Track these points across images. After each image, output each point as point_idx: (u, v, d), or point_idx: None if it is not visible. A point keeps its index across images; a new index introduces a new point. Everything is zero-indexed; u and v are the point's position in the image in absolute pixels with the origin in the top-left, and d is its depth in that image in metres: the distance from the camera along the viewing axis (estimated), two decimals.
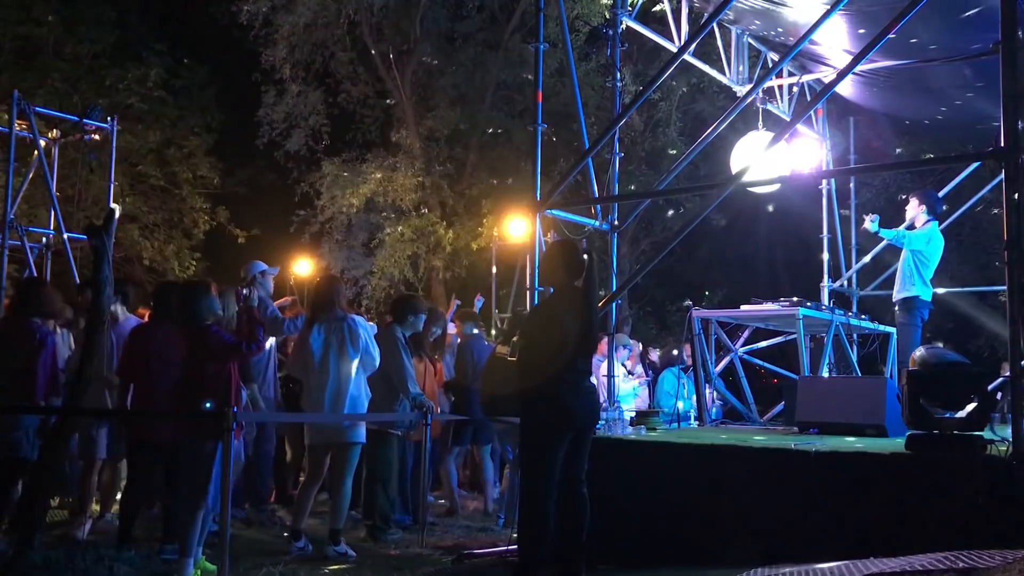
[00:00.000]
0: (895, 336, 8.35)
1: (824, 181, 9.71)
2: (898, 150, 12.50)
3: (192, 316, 5.20)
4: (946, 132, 9.90)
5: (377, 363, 6.08)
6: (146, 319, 6.56)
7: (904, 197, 8.15)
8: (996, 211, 13.90)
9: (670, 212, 18.88)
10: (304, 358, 6.01)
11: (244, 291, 5.46)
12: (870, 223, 7.69)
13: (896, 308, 7.67)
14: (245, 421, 6.09)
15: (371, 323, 7.14)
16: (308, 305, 6.80)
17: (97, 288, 5.22)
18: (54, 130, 10.55)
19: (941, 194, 9.63)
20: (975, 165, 8.95)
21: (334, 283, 6.42)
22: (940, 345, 8.91)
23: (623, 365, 9.86)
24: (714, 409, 8.34)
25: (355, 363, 5.91)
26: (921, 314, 7.51)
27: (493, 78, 17.70)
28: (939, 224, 7.78)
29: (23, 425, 5.53)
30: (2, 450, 5.49)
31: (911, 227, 7.63)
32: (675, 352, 10.50)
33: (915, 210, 7.61)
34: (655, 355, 11.14)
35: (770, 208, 18.08)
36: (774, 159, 7.61)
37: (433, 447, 7.16)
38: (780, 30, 8.01)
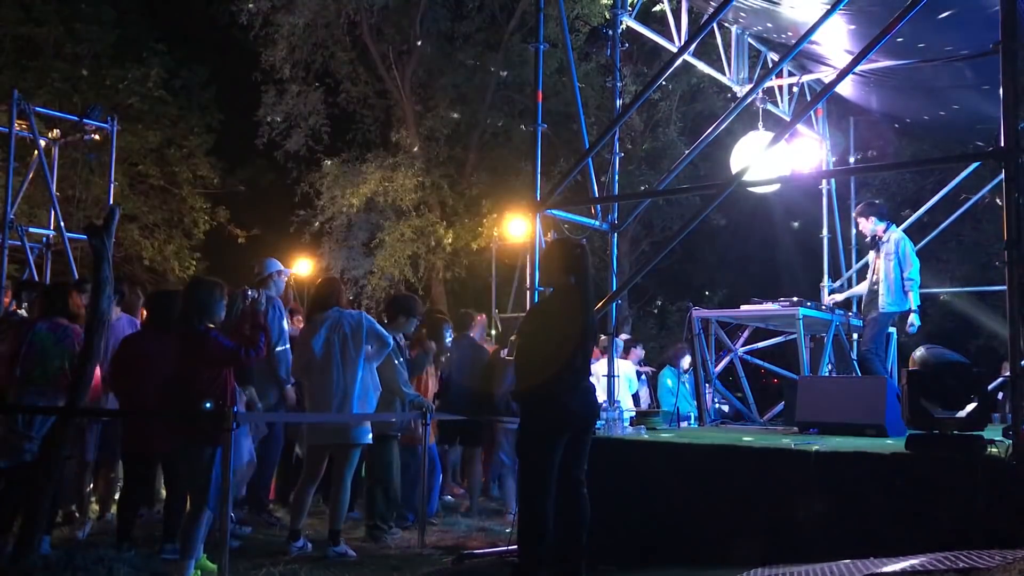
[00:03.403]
0: (895, 336, 8.36)
1: (824, 181, 9.71)
2: (898, 150, 12.49)
3: (199, 314, 5.08)
4: (946, 132, 9.90)
5: (389, 342, 6.03)
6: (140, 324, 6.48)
7: (856, 220, 7.98)
8: (994, 208, 13.92)
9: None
10: (307, 359, 5.94)
11: (252, 293, 5.39)
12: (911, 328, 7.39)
13: (896, 320, 7.52)
14: (252, 422, 6.11)
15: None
16: (308, 305, 6.79)
17: (97, 288, 5.20)
18: (54, 130, 10.55)
19: (940, 194, 9.68)
20: (975, 165, 8.96)
21: (334, 283, 6.40)
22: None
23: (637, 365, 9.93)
24: (713, 409, 8.35)
25: (360, 360, 5.86)
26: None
27: (493, 78, 17.70)
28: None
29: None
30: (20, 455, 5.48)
31: (875, 240, 7.54)
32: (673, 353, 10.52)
33: (871, 226, 7.51)
34: (636, 353, 11.13)
35: (770, 208, 18.08)
36: (774, 159, 7.60)
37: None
38: (780, 29, 8.02)
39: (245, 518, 6.62)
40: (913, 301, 7.30)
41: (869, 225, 7.54)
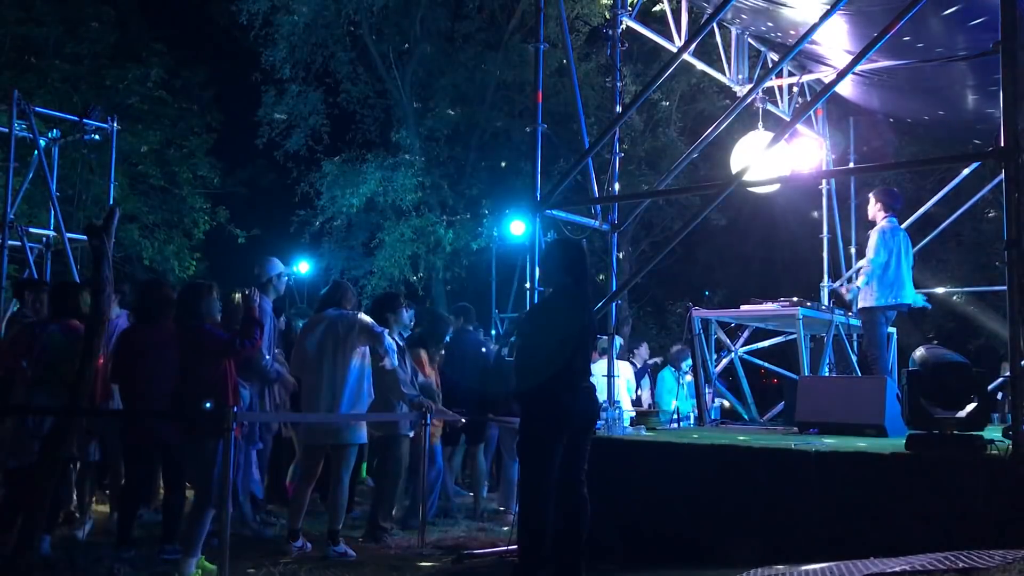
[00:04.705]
0: (895, 336, 8.36)
1: (824, 181, 9.70)
2: (897, 150, 12.48)
3: (191, 315, 5.22)
4: (946, 132, 9.89)
5: (385, 339, 6.02)
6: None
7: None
8: (992, 213, 13.95)
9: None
10: (302, 358, 6.04)
11: (247, 291, 5.46)
12: (848, 293, 7.64)
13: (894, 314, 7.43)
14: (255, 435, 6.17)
15: None
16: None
17: (97, 288, 5.20)
18: (54, 130, 10.54)
19: (940, 194, 9.67)
20: (975, 165, 8.95)
21: (340, 287, 6.40)
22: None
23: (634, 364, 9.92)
24: (713, 409, 8.36)
25: (352, 361, 5.89)
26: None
27: (493, 78, 17.69)
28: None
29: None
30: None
31: (871, 224, 7.52)
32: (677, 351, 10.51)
33: (873, 208, 7.48)
34: (644, 352, 11.12)
35: (770, 208, 18.08)
36: (774, 159, 7.60)
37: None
38: (780, 30, 8.01)
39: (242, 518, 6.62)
40: (851, 291, 7.43)
41: (872, 208, 7.47)
